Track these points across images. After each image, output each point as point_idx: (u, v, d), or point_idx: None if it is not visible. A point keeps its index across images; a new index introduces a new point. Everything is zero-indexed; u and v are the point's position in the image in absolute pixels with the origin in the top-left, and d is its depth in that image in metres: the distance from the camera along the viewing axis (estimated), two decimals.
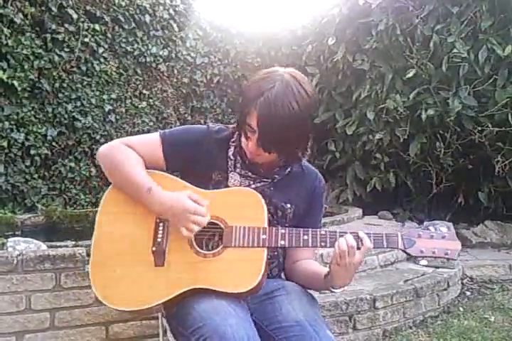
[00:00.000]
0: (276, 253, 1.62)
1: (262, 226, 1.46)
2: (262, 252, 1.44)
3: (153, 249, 1.47)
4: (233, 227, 1.45)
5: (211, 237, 1.49)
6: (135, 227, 1.51)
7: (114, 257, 1.50)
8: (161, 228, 1.49)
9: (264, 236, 1.44)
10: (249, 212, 1.48)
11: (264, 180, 1.59)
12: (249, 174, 1.59)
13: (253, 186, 1.58)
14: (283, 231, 1.46)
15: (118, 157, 1.54)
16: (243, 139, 1.53)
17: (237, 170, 1.58)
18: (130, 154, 1.54)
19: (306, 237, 1.45)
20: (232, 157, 1.59)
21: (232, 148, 1.60)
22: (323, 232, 1.46)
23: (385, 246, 1.45)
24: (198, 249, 1.46)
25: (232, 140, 1.61)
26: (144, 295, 1.45)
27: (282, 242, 1.45)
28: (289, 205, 1.60)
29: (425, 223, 1.54)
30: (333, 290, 1.51)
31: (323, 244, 1.45)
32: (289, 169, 1.62)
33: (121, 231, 1.52)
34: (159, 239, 1.48)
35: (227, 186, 1.56)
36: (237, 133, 1.62)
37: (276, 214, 1.59)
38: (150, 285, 1.45)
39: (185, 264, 1.44)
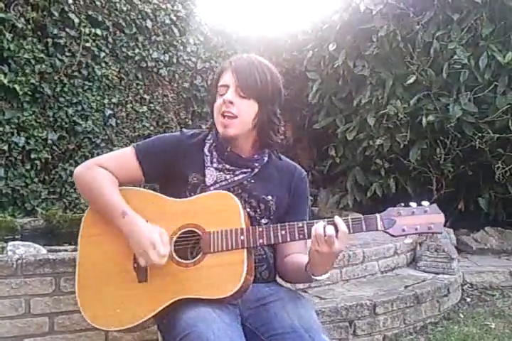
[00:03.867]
0: (264, 256, 1.59)
1: (240, 227, 1.44)
2: (241, 253, 1.42)
3: (135, 265, 1.48)
4: (210, 233, 1.44)
5: (194, 246, 1.48)
6: (115, 246, 1.51)
7: (98, 278, 1.51)
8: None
9: (242, 238, 1.42)
10: (225, 214, 1.47)
11: (244, 170, 1.59)
12: (227, 166, 1.58)
13: (230, 180, 1.57)
14: (260, 229, 1.44)
15: (91, 180, 1.54)
16: (217, 102, 1.54)
17: (214, 164, 1.59)
18: (104, 176, 1.54)
19: (283, 232, 1.42)
20: (207, 153, 1.60)
21: (207, 145, 1.62)
22: (300, 224, 1.42)
23: (364, 229, 1.39)
24: (179, 259, 1.45)
25: (208, 138, 1.63)
26: (132, 313, 1.45)
27: (261, 241, 1.43)
28: (270, 197, 1.59)
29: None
30: (315, 278, 1.47)
31: (301, 236, 1.42)
32: (267, 158, 1.63)
33: (102, 251, 1.53)
34: None
35: (204, 185, 1.55)
36: (211, 132, 1.64)
37: (259, 207, 1.58)
38: (136, 301, 1.45)
39: (168, 276, 1.44)
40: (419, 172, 4.51)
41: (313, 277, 1.47)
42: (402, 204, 1.45)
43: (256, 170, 1.60)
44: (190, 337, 1.30)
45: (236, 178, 1.58)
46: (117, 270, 1.50)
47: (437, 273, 3.28)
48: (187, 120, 5.74)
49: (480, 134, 3.95)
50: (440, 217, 1.41)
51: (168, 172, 1.58)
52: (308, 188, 1.73)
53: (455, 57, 3.82)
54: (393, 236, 1.41)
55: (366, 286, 2.93)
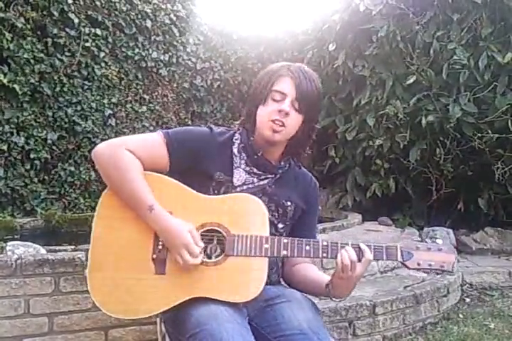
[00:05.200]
0: (275, 260, 1.61)
1: (264, 234, 1.45)
2: (264, 262, 1.43)
3: (154, 256, 1.45)
4: (235, 236, 1.44)
5: (213, 244, 1.47)
6: (134, 233, 1.47)
7: (113, 263, 1.46)
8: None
9: (266, 246, 1.43)
10: (251, 219, 1.47)
11: (269, 176, 1.60)
12: (255, 170, 1.58)
13: (257, 183, 1.58)
14: (285, 241, 1.45)
15: (118, 164, 1.46)
16: (268, 107, 1.53)
17: (242, 166, 1.58)
18: (132, 162, 1.47)
19: (308, 248, 1.46)
20: (236, 153, 1.59)
21: (236, 145, 1.60)
22: (325, 243, 1.47)
23: (385, 258, 1.48)
24: None
25: (235, 138, 1.62)
26: (143, 304, 1.43)
27: (284, 252, 1.45)
28: (289, 203, 1.61)
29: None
30: (334, 299, 1.55)
31: (324, 254, 1.47)
32: (288, 165, 1.65)
33: (119, 236, 1.48)
34: (160, 246, 1.45)
35: (230, 185, 1.55)
36: (239, 132, 1.63)
37: (278, 211, 1.59)
38: (149, 293, 1.43)
39: (187, 272, 1.43)
40: (419, 173, 4.50)
41: (333, 299, 1.56)
42: (419, 239, 1.55)
43: (278, 175, 1.62)
44: (202, 335, 1.29)
45: (261, 183, 1.59)
46: (134, 258, 1.46)
47: (437, 274, 3.27)
48: (186, 120, 5.74)
49: (479, 134, 3.95)
50: (452, 257, 1.50)
51: (194, 167, 1.55)
52: (319, 198, 1.76)
53: (455, 57, 3.82)
54: (409, 268, 1.49)
55: (366, 286, 2.93)
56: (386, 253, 1.47)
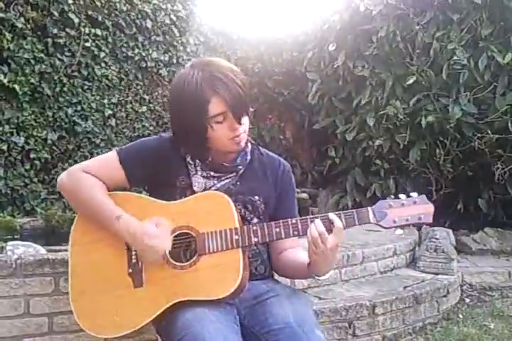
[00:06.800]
0: (257, 250, 1.60)
1: (234, 227, 1.45)
2: (237, 252, 1.43)
3: (130, 270, 1.48)
4: (205, 234, 1.45)
5: (187, 248, 1.48)
6: (108, 253, 1.51)
7: (93, 286, 1.50)
8: (133, 249, 1.49)
9: (236, 237, 1.43)
10: (218, 215, 1.47)
11: (229, 175, 1.59)
12: (212, 174, 1.58)
13: (218, 185, 1.57)
14: (254, 228, 1.45)
15: (80, 187, 1.53)
16: (213, 132, 1.48)
17: (199, 172, 1.58)
18: (93, 183, 1.54)
19: (278, 229, 1.44)
20: (191, 161, 1.59)
21: (189, 154, 1.60)
22: (293, 221, 1.44)
23: (357, 223, 1.43)
24: (174, 262, 1.45)
25: None
26: (130, 319, 1.45)
27: (255, 239, 1.44)
28: (256, 197, 1.59)
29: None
30: (317, 278, 1.50)
31: (295, 232, 1.44)
32: (249, 156, 1.62)
33: (95, 259, 1.52)
34: (133, 260, 1.48)
35: (193, 191, 1.55)
36: None
37: (247, 208, 1.58)
38: (133, 307, 1.45)
39: (164, 280, 1.44)
40: (419, 173, 4.50)
41: (316, 278, 1.50)
42: (392, 196, 1.48)
43: (240, 171, 1.60)
44: (186, 339, 1.30)
45: (223, 183, 1.58)
46: (112, 277, 1.49)
47: (436, 274, 3.28)
48: None
49: (479, 135, 3.95)
50: (429, 207, 1.45)
51: (153, 177, 1.57)
52: (294, 180, 1.72)
53: (455, 57, 3.82)
54: (385, 228, 1.44)
55: (365, 286, 2.93)
56: (358, 218, 1.42)
